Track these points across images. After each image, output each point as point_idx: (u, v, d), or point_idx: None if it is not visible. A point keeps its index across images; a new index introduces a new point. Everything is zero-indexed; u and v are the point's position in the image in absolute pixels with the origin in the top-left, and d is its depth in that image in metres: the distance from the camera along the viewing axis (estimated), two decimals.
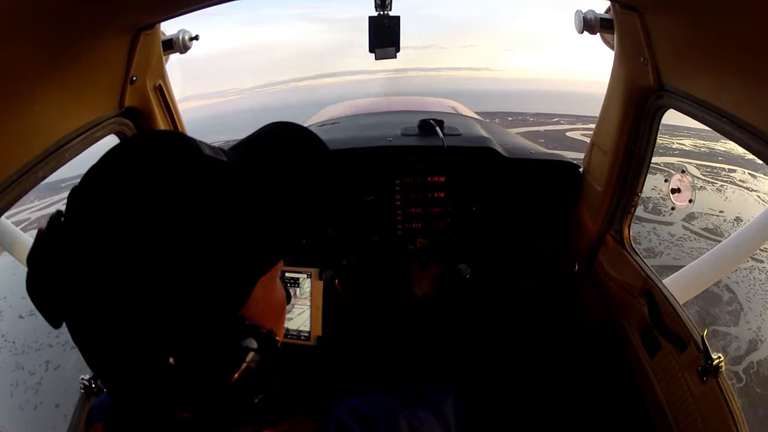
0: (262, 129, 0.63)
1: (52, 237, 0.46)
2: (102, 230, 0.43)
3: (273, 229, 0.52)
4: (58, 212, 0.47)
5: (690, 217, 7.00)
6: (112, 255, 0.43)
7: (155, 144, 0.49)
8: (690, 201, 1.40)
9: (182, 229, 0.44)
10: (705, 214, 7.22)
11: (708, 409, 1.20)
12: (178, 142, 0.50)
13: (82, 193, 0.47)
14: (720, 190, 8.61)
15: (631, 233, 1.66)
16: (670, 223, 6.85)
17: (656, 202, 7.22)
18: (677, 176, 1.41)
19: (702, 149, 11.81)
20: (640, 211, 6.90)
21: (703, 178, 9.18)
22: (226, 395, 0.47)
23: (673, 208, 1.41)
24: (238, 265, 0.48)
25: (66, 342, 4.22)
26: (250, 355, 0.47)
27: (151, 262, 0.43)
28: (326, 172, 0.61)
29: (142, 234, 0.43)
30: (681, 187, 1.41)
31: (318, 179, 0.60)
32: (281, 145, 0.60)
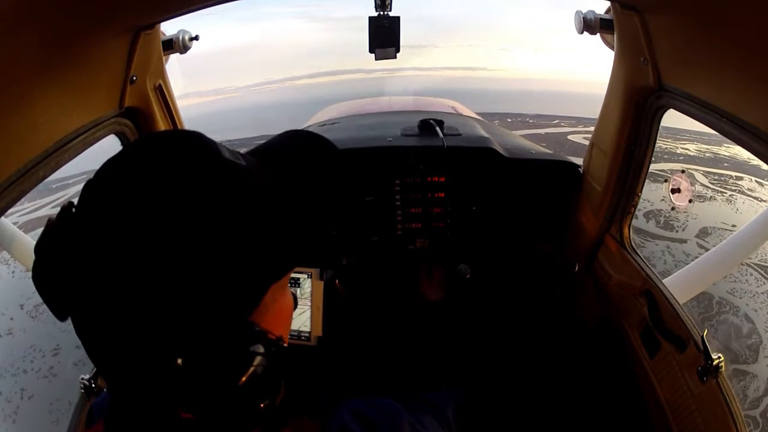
0: (281, 136, 0.63)
1: (63, 228, 0.45)
2: (116, 226, 0.43)
3: (290, 236, 0.52)
4: (70, 203, 0.47)
5: (703, 232, 6.52)
6: (125, 252, 0.42)
7: (175, 143, 0.49)
8: (690, 201, 1.40)
9: (198, 231, 0.44)
10: (718, 228, 6.71)
11: (708, 409, 1.20)
12: (199, 143, 0.50)
13: (97, 186, 0.46)
14: (730, 201, 8.17)
15: (631, 233, 1.66)
16: (684, 241, 6.33)
17: (667, 215, 6.71)
18: (677, 176, 1.41)
19: (706, 154, 11.44)
20: (651, 226, 6.46)
21: (712, 187, 8.72)
22: (231, 399, 0.46)
23: (673, 208, 1.41)
24: (252, 270, 0.48)
25: (39, 370, 4.15)
26: (258, 360, 0.47)
27: (164, 263, 0.43)
28: (341, 183, 0.61)
29: (156, 233, 0.43)
30: (681, 188, 1.42)
31: (333, 189, 0.60)
32: (299, 152, 0.60)
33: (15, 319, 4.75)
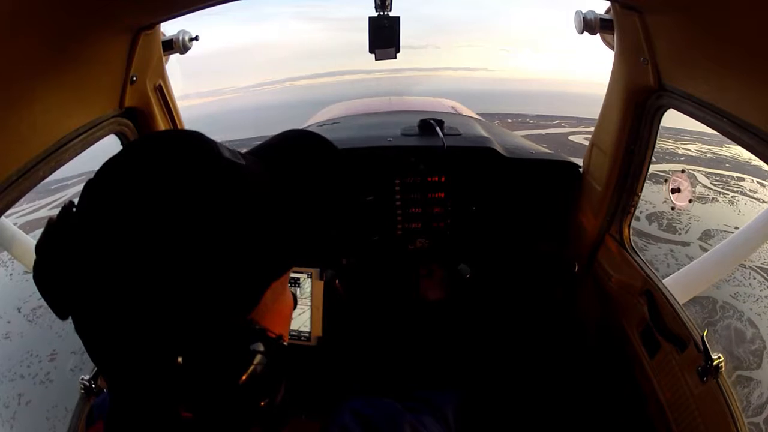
0: (280, 135, 0.63)
1: (63, 227, 0.45)
2: (117, 225, 0.43)
3: (290, 235, 0.52)
4: (70, 202, 0.47)
5: (706, 235, 6.32)
6: (125, 251, 0.42)
7: (175, 143, 0.49)
8: (690, 201, 1.40)
9: (198, 230, 0.44)
10: (721, 231, 6.48)
11: (708, 409, 1.20)
12: (198, 142, 0.50)
13: (98, 185, 0.46)
14: (732, 202, 7.99)
15: (631, 233, 1.66)
16: (687, 243, 6.13)
17: (670, 217, 6.51)
18: (677, 176, 1.41)
19: (708, 155, 11.15)
20: (654, 229, 6.25)
21: (714, 188, 8.55)
22: (232, 397, 0.46)
23: (672, 208, 1.41)
24: (252, 269, 0.48)
25: (36, 375, 4.13)
26: (258, 359, 0.47)
27: (165, 262, 0.43)
28: (341, 181, 0.61)
29: (156, 232, 0.43)
30: (681, 187, 1.41)
31: (333, 188, 0.60)
32: (298, 152, 0.60)
33: (12, 322, 4.72)
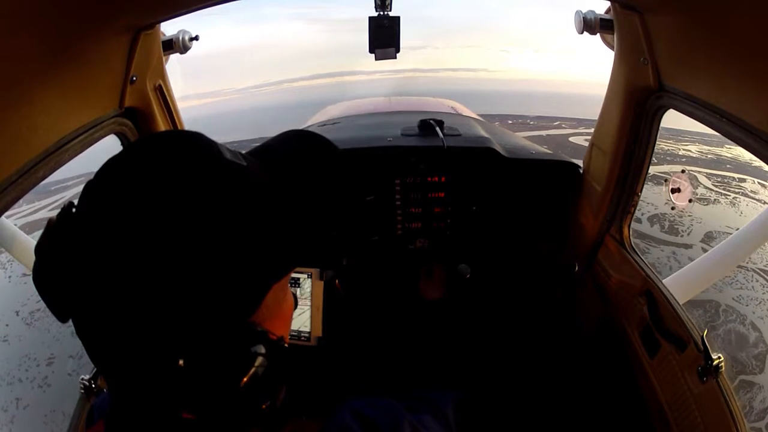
0: (280, 136, 0.63)
1: (64, 228, 0.45)
2: (117, 226, 0.43)
3: (291, 237, 0.52)
4: (70, 203, 0.47)
5: (708, 237, 6.28)
6: (126, 253, 0.42)
7: (176, 143, 0.49)
8: (690, 201, 1.40)
9: (199, 232, 0.44)
10: (723, 233, 6.37)
11: (708, 409, 1.20)
12: (199, 143, 0.49)
13: (98, 186, 0.46)
14: (734, 204, 7.99)
15: (631, 233, 1.66)
16: (690, 246, 6.12)
17: (672, 219, 6.45)
18: (677, 176, 1.41)
19: (709, 156, 11.20)
20: (656, 231, 6.21)
21: (716, 189, 8.55)
22: (233, 400, 0.46)
23: (672, 208, 1.41)
24: (253, 271, 0.48)
25: (34, 379, 4.11)
26: (259, 361, 0.47)
27: (166, 263, 0.42)
28: (342, 183, 0.61)
29: (158, 233, 0.43)
30: (681, 188, 1.42)
31: (334, 189, 0.60)
32: (299, 152, 0.60)
33: (10, 325, 4.72)
